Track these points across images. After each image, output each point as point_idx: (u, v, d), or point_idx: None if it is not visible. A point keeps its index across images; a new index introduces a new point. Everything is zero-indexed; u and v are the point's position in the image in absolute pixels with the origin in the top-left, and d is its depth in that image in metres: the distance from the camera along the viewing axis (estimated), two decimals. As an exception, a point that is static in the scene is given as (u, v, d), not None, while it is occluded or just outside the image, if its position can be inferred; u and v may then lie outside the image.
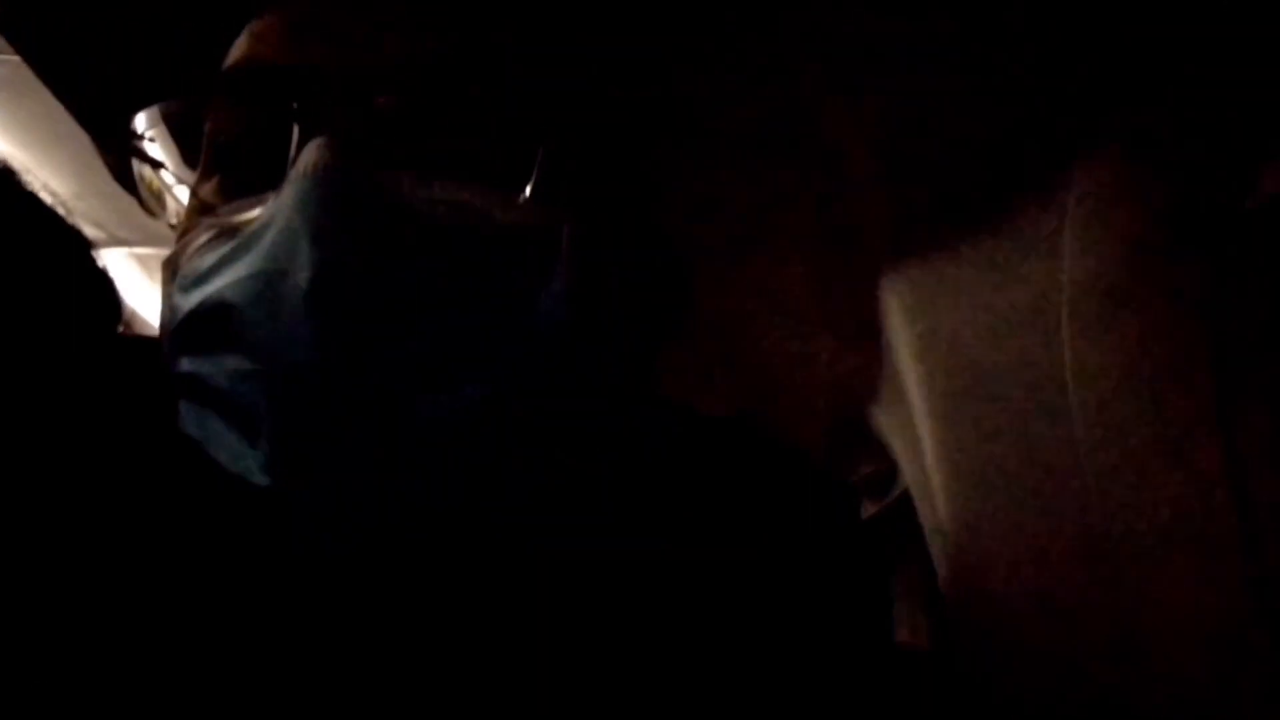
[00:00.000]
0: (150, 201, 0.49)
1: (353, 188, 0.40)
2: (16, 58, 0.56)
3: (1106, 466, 0.47)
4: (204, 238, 0.44)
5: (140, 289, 1.72)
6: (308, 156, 0.40)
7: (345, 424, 0.39)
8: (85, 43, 0.57)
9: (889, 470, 0.70)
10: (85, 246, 0.49)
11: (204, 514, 0.41)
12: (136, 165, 0.49)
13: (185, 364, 0.43)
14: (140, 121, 0.49)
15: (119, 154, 0.50)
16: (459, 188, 0.42)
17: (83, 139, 0.62)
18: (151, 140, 0.49)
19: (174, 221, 0.48)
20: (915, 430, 0.62)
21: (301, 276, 0.39)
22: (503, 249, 0.43)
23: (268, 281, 0.39)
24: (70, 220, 0.49)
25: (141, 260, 1.75)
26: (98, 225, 0.49)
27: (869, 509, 0.73)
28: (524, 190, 0.43)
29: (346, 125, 0.41)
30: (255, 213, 0.42)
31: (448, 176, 0.42)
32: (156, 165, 0.49)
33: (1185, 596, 0.45)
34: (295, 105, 0.42)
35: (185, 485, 0.41)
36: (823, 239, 0.62)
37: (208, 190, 0.45)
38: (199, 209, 0.45)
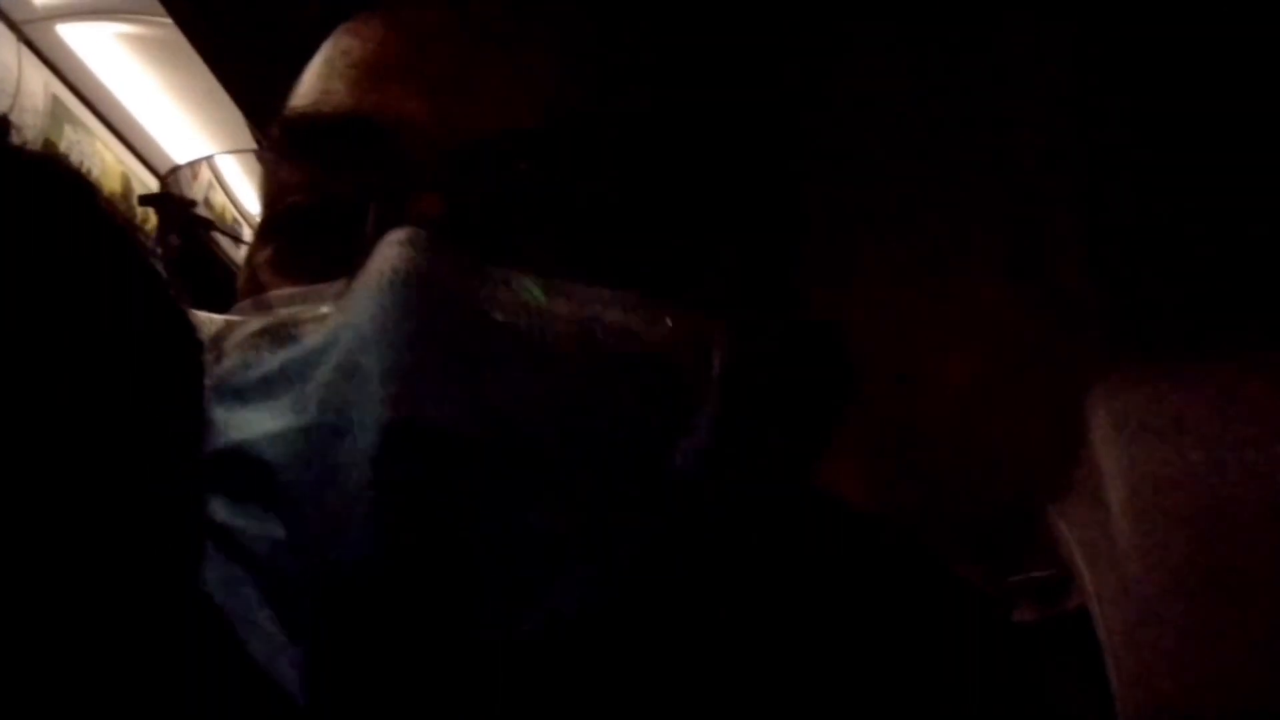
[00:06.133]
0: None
1: (448, 307, 0.28)
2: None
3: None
4: (252, 326, 0.33)
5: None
6: (386, 255, 0.28)
7: (414, 645, 0.28)
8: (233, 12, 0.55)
9: (1058, 578, 0.70)
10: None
11: None
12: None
13: (218, 509, 0.31)
14: (187, 177, 0.39)
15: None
16: (595, 297, 0.30)
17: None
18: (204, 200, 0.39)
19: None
20: (1108, 532, 0.63)
21: (366, 441, 0.27)
22: (642, 382, 0.31)
23: (320, 441, 0.28)
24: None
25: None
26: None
27: (1027, 613, 0.73)
28: (678, 296, 0.31)
29: (440, 207, 0.30)
30: (317, 311, 0.31)
31: (576, 278, 0.30)
32: (209, 226, 0.39)
33: None
34: (374, 175, 0.31)
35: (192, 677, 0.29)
36: (1035, 337, 0.63)
37: (262, 261, 0.34)
38: (251, 282, 0.34)
